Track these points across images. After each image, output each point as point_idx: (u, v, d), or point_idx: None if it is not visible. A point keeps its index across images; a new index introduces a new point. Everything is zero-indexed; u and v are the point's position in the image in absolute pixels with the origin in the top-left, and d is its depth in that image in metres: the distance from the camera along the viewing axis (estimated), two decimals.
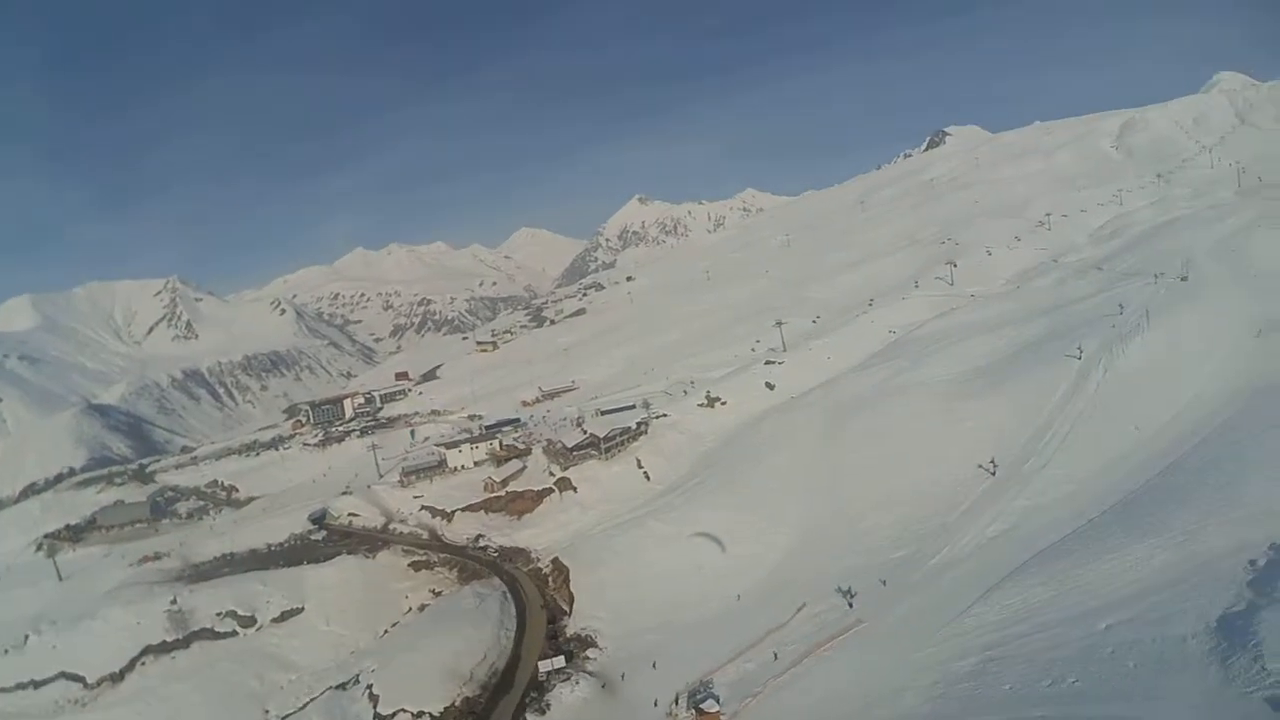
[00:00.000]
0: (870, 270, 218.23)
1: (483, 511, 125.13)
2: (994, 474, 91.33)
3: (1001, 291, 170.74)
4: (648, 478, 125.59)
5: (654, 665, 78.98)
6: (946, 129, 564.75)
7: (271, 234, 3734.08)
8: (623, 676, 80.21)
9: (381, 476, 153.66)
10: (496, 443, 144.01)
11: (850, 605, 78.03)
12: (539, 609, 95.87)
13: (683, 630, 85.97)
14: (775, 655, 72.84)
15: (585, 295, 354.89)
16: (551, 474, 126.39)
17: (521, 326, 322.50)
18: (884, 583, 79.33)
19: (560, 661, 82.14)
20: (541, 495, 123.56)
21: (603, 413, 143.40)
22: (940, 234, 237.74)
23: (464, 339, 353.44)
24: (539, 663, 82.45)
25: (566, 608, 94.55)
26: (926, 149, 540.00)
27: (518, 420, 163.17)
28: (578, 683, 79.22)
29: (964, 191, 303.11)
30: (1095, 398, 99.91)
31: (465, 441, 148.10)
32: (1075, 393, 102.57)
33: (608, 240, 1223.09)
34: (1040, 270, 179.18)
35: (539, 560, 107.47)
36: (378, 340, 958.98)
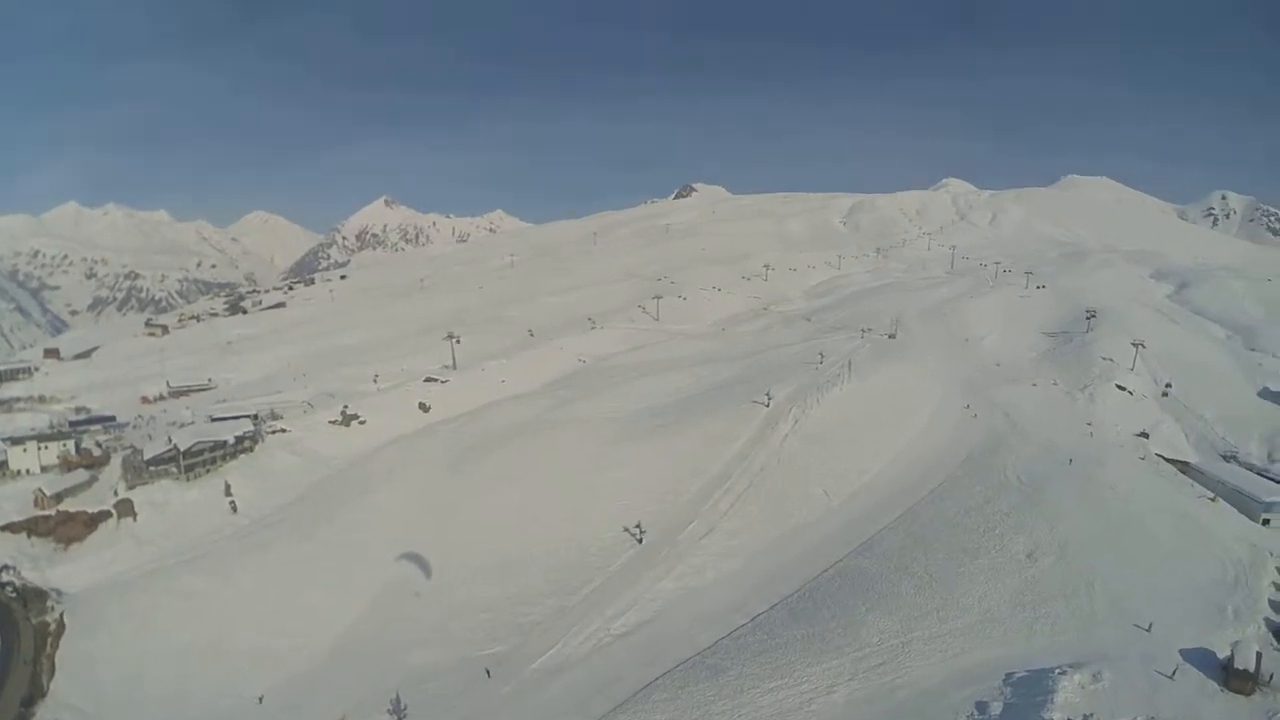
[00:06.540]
0: (580, 297, 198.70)
1: (25, 534, 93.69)
2: (640, 540, 68.26)
3: (707, 332, 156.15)
4: (235, 508, 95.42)
5: None
6: (695, 185, 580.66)
7: None
8: None
9: None
10: (71, 445, 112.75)
11: None
12: (23, 682, 71.05)
13: None
14: None
15: (291, 290, 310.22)
16: (116, 493, 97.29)
17: (212, 314, 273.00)
18: (487, 673, 57.67)
19: None
20: (96, 520, 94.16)
21: (215, 420, 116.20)
22: (660, 273, 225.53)
23: (148, 321, 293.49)
24: None
25: (46, 684, 70.66)
26: (675, 198, 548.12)
27: (112, 419, 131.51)
28: None
29: (695, 239, 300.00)
30: (780, 451, 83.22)
31: (34, 439, 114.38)
32: (759, 444, 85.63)
33: (345, 239, 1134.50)
34: (749, 316, 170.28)
35: (52, 610, 79.40)
36: (74, 313, 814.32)
